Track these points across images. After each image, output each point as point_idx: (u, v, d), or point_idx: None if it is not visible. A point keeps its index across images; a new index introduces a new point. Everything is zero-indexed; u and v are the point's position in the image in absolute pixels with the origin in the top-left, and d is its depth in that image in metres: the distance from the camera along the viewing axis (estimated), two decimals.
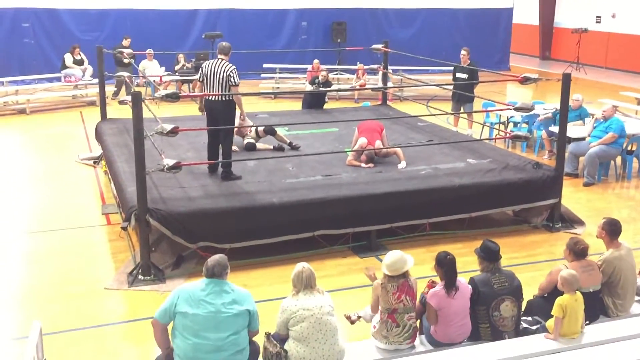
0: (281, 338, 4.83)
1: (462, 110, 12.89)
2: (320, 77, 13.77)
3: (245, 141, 9.78)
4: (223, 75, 8.06)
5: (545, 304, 5.32)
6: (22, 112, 15.63)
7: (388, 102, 13.90)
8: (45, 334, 5.07)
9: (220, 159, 8.40)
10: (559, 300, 4.97)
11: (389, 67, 13.56)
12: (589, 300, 5.19)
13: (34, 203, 9.55)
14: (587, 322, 5.23)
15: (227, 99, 8.17)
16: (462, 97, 12.56)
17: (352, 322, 5.37)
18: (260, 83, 18.43)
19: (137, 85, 16.59)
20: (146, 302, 6.55)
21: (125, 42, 16.94)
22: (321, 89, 13.47)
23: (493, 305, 5.11)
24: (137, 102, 6.87)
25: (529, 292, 5.61)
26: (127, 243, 7.95)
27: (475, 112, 12.88)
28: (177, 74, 17.40)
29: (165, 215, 7.06)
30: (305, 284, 4.79)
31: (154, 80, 15.45)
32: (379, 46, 12.72)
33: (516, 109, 8.88)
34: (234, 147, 9.03)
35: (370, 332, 5.19)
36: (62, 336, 5.96)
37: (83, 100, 16.98)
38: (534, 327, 5.35)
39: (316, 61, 16.09)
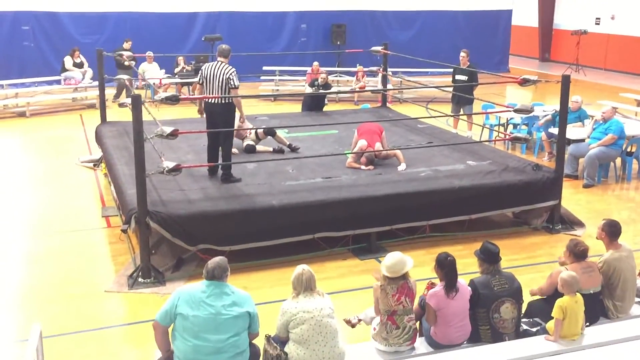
0: (281, 340, 4.83)
1: (461, 112, 12.90)
2: (319, 80, 13.79)
3: (245, 143, 9.79)
4: (223, 78, 8.06)
5: (546, 305, 5.32)
6: (22, 115, 15.63)
7: (388, 104, 13.93)
8: (46, 336, 5.08)
9: (220, 161, 8.41)
10: (559, 302, 4.97)
11: (389, 69, 13.56)
12: (589, 302, 5.19)
13: (34, 206, 9.55)
14: (587, 323, 5.23)
15: (227, 101, 8.17)
16: (462, 99, 12.57)
17: (353, 326, 5.36)
18: (259, 85, 18.45)
19: (137, 87, 16.62)
20: (146, 304, 6.55)
21: (126, 45, 16.95)
22: (321, 91, 13.48)
23: (493, 307, 5.11)
24: (137, 104, 6.88)
25: (529, 294, 5.60)
26: (127, 245, 7.95)
27: (475, 113, 12.88)
28: (176, 76, 17.40)
29: (165, 217, 7.06)
30: (305, 286, 4.79)
31: (154, 83, 15.45)
32: (379, 48, 12.74)
33: (516, 111, 8.89)
34: (234, 150, 9.04)
35: (370, 334, 5.19)
36: (62, 339, 5.96)
37: (83, 103, 16.98)
38: (534, 329, 5.35)
39: (316, 63, 16.10)
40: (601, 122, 10.71)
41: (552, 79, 9.24)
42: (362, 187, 8.08)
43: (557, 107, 8.91)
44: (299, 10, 21.01)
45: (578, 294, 5.03)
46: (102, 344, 5.98)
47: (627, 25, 22.58)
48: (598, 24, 23.82)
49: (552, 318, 5.00)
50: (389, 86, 15.17)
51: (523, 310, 5.40)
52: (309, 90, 14.22)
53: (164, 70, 17.69)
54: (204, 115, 8.47)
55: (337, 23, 20.99)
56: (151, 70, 17.11)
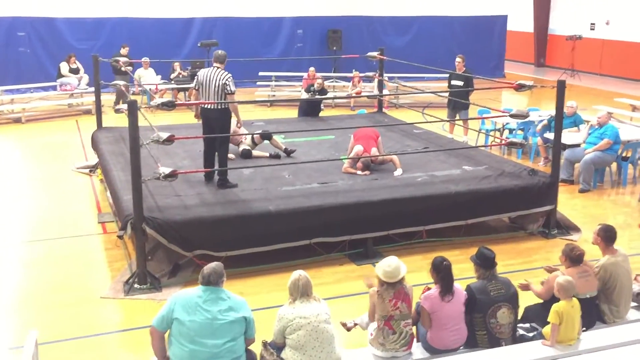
0: (278, 346, 4.83)
1: (457, 118, 12.93)
2: (316, 85, 13.81)
3: (241, 148, 9.79)
4: (219, 84, 8.07)
5: (542, 310, 5.33)
6: (17, 121, 15.61)
7: (384, 110, 13.95)
8: (41, 343, 5.07)
9: (216, 166, 8.41)
10: (555, 307, 4.98)
11: (385, 75, 13.60)
12: (585, 307, 5.20)
13: (30, 212, 9.53)
14: (584, 328, 5.24)
15: (223, 107, 8.18)
16: (458, 104, 12.59)
17: (349, 330, 5.36)
18: (256, 91, 18.46)
19: (133, 93, 16.61)
20: (142, 311, 6.53)
21: (124, 51, 16.95)
22: (317, 96, 13.50)
23: (490, 312, 5.11)
24: (133, 110, 6.87)
25: (526, 299, 5.61)
26: (123, 252, 7.94)
27: (471, 119, 12.92)
28: (173, 82, 17.41)
29: (161, 223, 7.05)
30: (302, 291, 4.79)
31: (150, 89, 15.45)
32: (375, 54, 12.76)
33: (511, 116, 8.91)
34: (230, 155, 9.04)
35: (367, 340, 5.18)
36: (58, 345, 5.94)
37: (79, 109, 16.97)
38: (530, 334, 5.35)
39: (312, 69, 16.13)
40: (596, 127, 10.74)
41: (548, 84, 9.28)
42: (358, 193, 8.08)
43: (553, 113, 8.93)
44: (295, 15, 21.04)
45: (574, 299, 5.04)
46: (98, 350, 5.96)
47: (621, 31, 22.67)
48: (593, 29, 23.92)
49: (549, 323, 5.01)
50: (385, 91, 15.20)
51: (519, 315, 5.41)
52: (305, 95, 14.24)
53: (160, 76, 17.70)
54: (201, 120, 8.48)
55: (333, 28, 21.03)
56: (147, 76, 17.12)
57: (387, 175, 8.82)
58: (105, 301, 6.82)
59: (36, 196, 10.21)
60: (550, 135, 10.42)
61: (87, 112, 16.40)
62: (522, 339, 5.28)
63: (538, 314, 5.42)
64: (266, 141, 10.02)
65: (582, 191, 10.48)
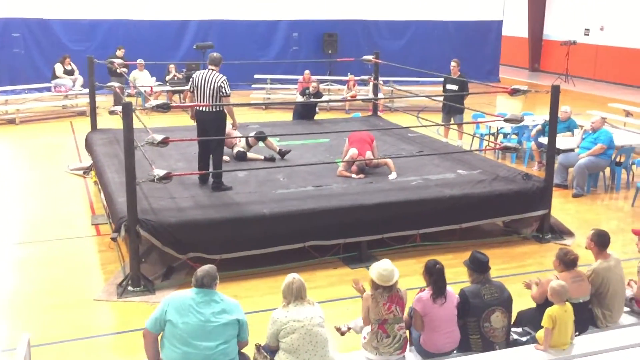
0: (271, 350, 4.82)
1: (452, 122, 12.96)
2: (311, 88, 13.81)
3: (236, 150, 9.78)
4: (214, 86, 8.06)
5: (535, 314, 5.34)
6: (11, 122, 15.56)
7: (379, 113, 13.96)
8: (34, 345, 5.05)
9: (210, 169, 8.40)
10: (548, 311, 4.99)
11: (380, 78, 13.61)
12: (578, 311, 5.21)
13: (23, 213, 9.50)
14: (577, 332, 5.25)
15: (218, 109, 8.17)
16: (452, 108, 12.62)
17: (342, 334, 5.36)
18: (251, 94, 18.46)
19: (128, 95, 16.58)
20: (136, 313, 6.51)
21: (119, 53, 16.94)
22: (312, 99, 13.51)
23: (484, 316, 5.12)
24: (127, 112, 6.86)
25: (519, 303, 5.62)
26: (116, 254, 7.91)
27: (465, 123, 12.94)
28: (167, 84, 17.39)
29: (155, 226, 7.03)
30: (296, 295, 4.79)
31: (145, 91, 15.43)
32: (370, 57, 12.78)
33: (506, 120, 8.94)
34: (225, 157, 9.03)
35: (360, 343, 5.18)
36: (50, 348, 5.91)
37: (73, 110, 16.92)
38: (524, 338, 5.36)
39: (307, 72, 16.14)
40: (590, 132, 10.78)
41: (542, 89, 9.32)
42: (352, 196, 8.08)
43: (547, 117, 8.96)
44: (290, 19, 21.06)
45: (567, 303, 5.05)
46: (91, 353, 5.94)
47: (615, 36, 22.78)
48: (587, 34, 24.03)
49: (542, 327, 5.01)
50: (380, 95, 15.23)
51: (513, 319, 5.42)
52: (300, 98, 14.24)
53: (155, 78, 17.67)
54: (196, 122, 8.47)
55: (329, 32, 21.05)
56: (142, 78, 17.09)
57: (381, 179, 8.83)
58: (99, 303, 6.80)
59: (29, 198, 10.18)
60: (544, 140, 10.45)
61: (82, 113, 16.36)
62: (516, 343, 5.29)
63: (531, 319, 5.43)
64: (261, 143, 10.02)
65: (575, 196, 10.51)
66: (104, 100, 16.22)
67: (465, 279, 5.47)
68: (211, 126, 8.20)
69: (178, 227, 7.13)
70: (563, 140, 11.01)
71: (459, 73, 12.82)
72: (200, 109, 8.20)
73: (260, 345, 4.87)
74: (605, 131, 10.78)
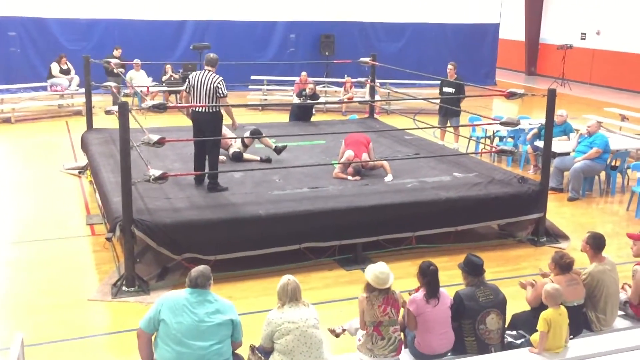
0: (266, 351, 4.82)
1: (448, 124, 12.97)
2: (307, 90, 13.81)
3: (232, 150, 9.77)
4: (210, 87, 8.05)
5: (530, 317, 5.35)
6: (6, 121, 15.52)
7: (375, 115, 13.97)
8: (28, 345, 5.02)
9: (206, 170, 8.38)
10: (543, 315, 4.99)
11: (377, 80, 13.62)
12: (572, 315, 5.22)
13: (18, 213, 9.47)
14: (571, 336, 5.26)
15: (214, 110, 8.17)
16: (449, 111, 12.63)
17: (337, 336, 5.36)
18: (247, 95, 18.44)
19: (125, 95, 16.56)
20: (130, 313, 6.49)
21: (116, 53, 16.92)
22: (308, 101, 13.51)
23: (479, 318, 5.12)
24: (124, 112, 6.85)
25: (514, 306, 5.63)
26: (111, 254, 7.89)
27: (462, 126, 12.95)
28: (164, 84, 17.37)
29: (150, 226, 7.02)
30: (291, 296, 4.78)
31: (141, 91, 15.41)
32: (367, 59, 12.79)
33: (502, 124, 8.94)
34: (222, 157, 9.02)
35: (355, 345, 5.17)
36: (44, 347, 5.89)
37: (69, 109, 16.89)
38: (518, 341, 5.36)
39: (304, 73, 16.13)
40: (586, 136, 10.81)
41: (538, 93, 9.33)
42: (348, 198, 8.08)
43: (543, 121, 8.98)
44: (288, 20, 21.06)
45: (562, 307, 5.06)
46: (85, 353, 5.92)
47: (612, 41, 22.84)
48: (584, 39, 24.09)
49: (536, 330, 5.02)
50: (377, 97, 15.23)
51: (507, 322, 5.42)
52: (296, 100, 14.24)
53: (151, 78, 17.65)
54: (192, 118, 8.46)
55: (326, 34, 21.06)
56: (138, 78, 17.07)
57: (377, 181, 8.84)
58: (93, 304, 6.78)
59: (24, 197, 10.15)
60: (540, 144, 10.47)
61: (78, 113, 16.32)
62: (510, 346, 5.30)
63: (525, 322, 5.43)
64: (258, 145, 10.01)
65: (571, 199, 10.53)
66: (100, 100, 16.20)
67: (460, 282, 5.47)
68: (207, 127, 8.19)
69: (173, 228, 7.11)
70: (559, 144, 11.03)
71: (456, 76, 12.84)
72: (197, 109, 8.19)
73: (254, 346, 4.87)
74: (601, 135, 10.81)
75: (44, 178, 11.06)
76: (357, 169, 9.03)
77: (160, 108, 7.36)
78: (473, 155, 10.97)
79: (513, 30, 26.22)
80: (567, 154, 10.93)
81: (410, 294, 5.32)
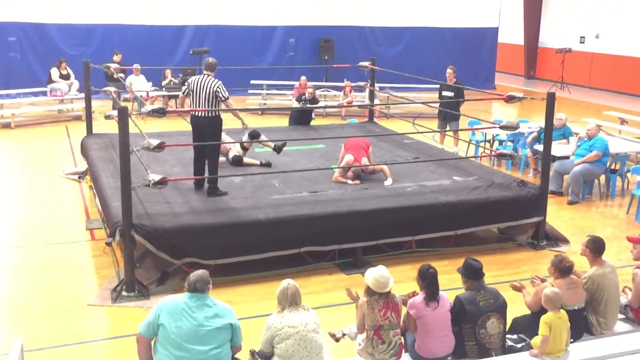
0: (266, 355, 4.81)
1: (448, 128, 12.98)
2: (307, 94, 13.82)
3: (232, 154, 9.77)
4: (209, 91, 8.06)
5: (530, 321, 5.34)
6: (6, 126, 15.53)
7: (375, 119, 13.96)
8: (27, 350, 5.02)
9: (206, 174, 8.39)
10: (544, 318, 4.99)
11: (376, 85, 13.63)
12: (573, 318, 5.21)
13: (17, 217, 9.46)
14: (572, 339, 5.25)
15: (213, 114, 8.17)
16: (448, 115, 12.64)
17: (337, 340, 5.35)
18: (247, 99, 18.46)
19: (125, 100, 16.58)
20: (130, 318, 6.48)
21: (116, 58, 16.94)
22: (308, 105, 13.51)
23: (479, 322, 5.12)
24: (123, 117, 6.86)
25: (514, 310, 5.62)
26: (111, 259, 7.89)
27: (461, 130, 12.96)
28: (164, 89, 17.38)
29: (150, 230, 7.01)
30: (291, 300, 4.78)
31: (141, 96, 15.43)
32: (366, 64, 12.80)
33: (501, 127, 8.95)
34: (222, 158, 9.01)
35: (355, 350, 5.17)
36: (44, 353, 5.88)
37: (69, 114, 16.91)
38: (519, 345, 5.35)
39: (303, 78, 16.16)
40: (586, 139, 10.81)
41: (538, 97, 9.32)
42: (348, 202, 8.08)
43: (542, 124, 8.98)
44: (287, 24, 21.09)
45: (562, 310, 5.06)
46: (84, 358, 5.91)
47: (611, 44, 22.88)
48: (583, 42, 24.13)
49: (537, 334, 5.01)
50: (376, 101, 15.24)
51: (508, 326, 5.41)
52: (296, 104, 14.25)
53: (151, 83, 17.67)
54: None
55: (325, 38, 21.09)
56: (138, 83, 17.10)
57: (377, 185, 8.84)
58: (93, 309, 6.77)
59: (24, 202, 10.15)
60: (539, 147, 10.48)
61: (77, 118, 16.34)
62: (511, 350, 5.29)
63: (526, 325, 5.42)
64: (257, 149, 10.00)
65: (570, 203, 10.53)
66: (100, 105, 16.21)
67: (460, 286, 5.46)
68: (207, 131, 8.19)
69: (173, 232, 7.11)
70: (558, 148, 11.04)
71: (455, 80, 12.86)
72: (196, 114, 8.20)
73: (254, 351, 4.86)
74: (601, 139, 10.82)
75: (43, 183, 11.07)
76: (356, 173, 9.03)
77: (160, 113, 7.37)
78: (473, 159, 10.97)
79: (512, 34, 26.27)
80: (567, 157, 10.94)
81: (408, 297, 5.31)
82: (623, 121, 15.60)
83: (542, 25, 26.19)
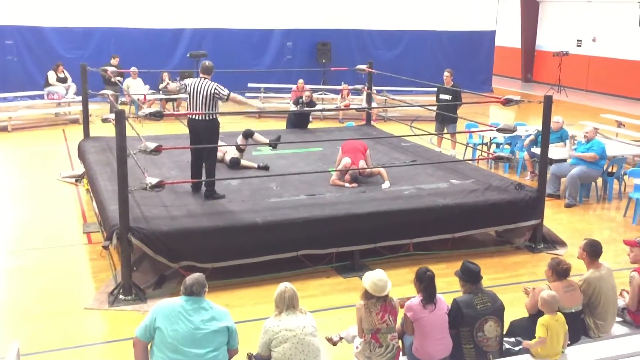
0: (263, 359, 4.79)
1: (445, 131, 12.99)
2: (304, 97, 13.82)
3: (229, 157, 9.76)
4: (206, 94, 8.06)
5: (527, 324, 5.34)
6: (4, 129, 15.49)
7: (372, 122, 13.99)
8: (24, 354, 5.00)
9: (203, 177, 8.38)
10: (541, 321, 4.99)
11: (373, 88, 13.65)
12: (570, 321, 5.21)
13: (14, 221, 9.45)
14: (569, 342, 5.25)
15: (211, 117, 8.17)
16: (446, 117, 12.65)
17: (334, 344, 5.34)
18: None
19: (122, 103, 16.56)
20: (127, 322, 6.47)
21: (114, 61, 16.93)
22: (305, 108, 13.52)
23: (477, 325, 5.12)
24: (120, 120, 6.85)
25: (512, 313, 5.62)
26: (108, 262, 7.87)
27: (459, 132, 12.97)
28: (161, 92, 17.38)
29: (147, 234, 7.00)
30: (288, 304, 4.77)
31: (138, 99, 15.41)
32: (364, 67, 12.82)
33: (499, 130, 8.96)
34: (219, 154, 8.99)
35: (352, 353, 5.16)
36: (41, 357, 5.86)
37: (66, 118, 16.89)
38: (516, 348, 5.35)
39: (300, 81, 16.16)
40: (583, 142, 10.82)
41: (535, 100, 9.34)
42: (345, 205, 8.08)
43: (540, 127, 8.99)
44: (284, 28, 21.10)
45: (559, 313, 5.06)
46: None
47: (607, 48, 22.94)
48: (579, 45, 24.18)
49: (534, 337, 5.00)
50: (374, 104, 15.24)
51: (505, 329, 5.41)
52: (293, 107, 14.25)
53: (148, 86, 17.66)
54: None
55: (323, 41, 21.11)
56: (135, 86, 17.08)
57: (374, 188, 8.83)
58: (90, 312, 6.75)
59: (21, 205, 10.13)
60: (536, 150, 10.49)
61: (74, 121, 16.32)
62: (509, 353, 5.28)
63: (523, 328, 5.42)
64: (255, 152, 9.99)
65: (568, 206, 10.54)
66: (97, 108, 16.18)
67: (458, 289, 5.46)
68: (204, 134, 8.19)
69: (170, 236, 7.10)
70: (555, 151, 11.05)
71: (452, 83, 12.87)
72: (193, 117, 8.19)
73: (252, 354, 4.85)
74: (598, 142, 10.83)
75: (40, 186, 11.05)
76: (354, 176, 9.03)
77: (157, 116, 7.36)
78: (470, 162, 10.98)
79: (509, 37, 26.32)
80: (564, 160, 10.94)
81: (402, 303, 5.31)
82: (620, 124, 15.63)
83: (539, 29, 26.25)
